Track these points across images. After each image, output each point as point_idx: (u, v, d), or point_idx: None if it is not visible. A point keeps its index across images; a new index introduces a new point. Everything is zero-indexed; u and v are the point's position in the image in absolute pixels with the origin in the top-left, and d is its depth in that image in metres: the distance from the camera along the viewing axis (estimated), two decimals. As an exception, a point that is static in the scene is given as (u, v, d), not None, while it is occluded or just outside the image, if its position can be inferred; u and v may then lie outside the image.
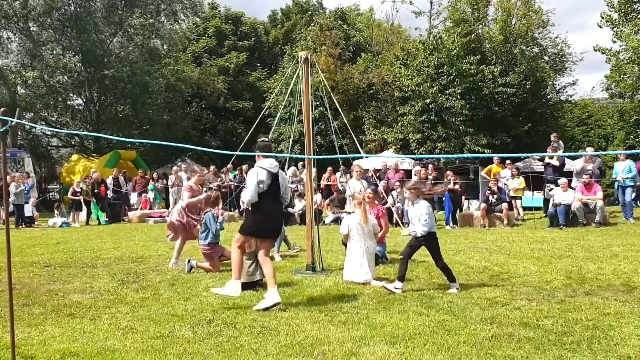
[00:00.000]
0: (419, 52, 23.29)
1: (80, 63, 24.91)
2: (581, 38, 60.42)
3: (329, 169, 17.86)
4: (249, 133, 8.30)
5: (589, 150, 16.00)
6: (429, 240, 6.17)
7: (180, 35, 30.77)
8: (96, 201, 16.91)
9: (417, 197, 6.28)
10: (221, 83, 31.27)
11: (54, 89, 24.99)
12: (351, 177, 16.13)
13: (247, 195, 5.62)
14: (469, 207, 16.24)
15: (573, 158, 14.81)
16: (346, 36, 28.78)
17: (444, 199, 14.45)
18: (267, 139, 6.11)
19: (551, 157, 14.45)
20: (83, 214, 16.84)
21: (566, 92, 28.35)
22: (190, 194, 8.35)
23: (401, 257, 6.34)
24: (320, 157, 6.38)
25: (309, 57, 7.56)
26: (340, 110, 8.08)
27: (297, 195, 14.65)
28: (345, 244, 7.23)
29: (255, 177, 5.64)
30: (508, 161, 15.53)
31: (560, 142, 16.12)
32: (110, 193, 17.78)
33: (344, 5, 37.17)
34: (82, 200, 16.60)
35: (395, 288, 6.05)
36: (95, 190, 16.88)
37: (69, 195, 16.86)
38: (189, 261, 7.65)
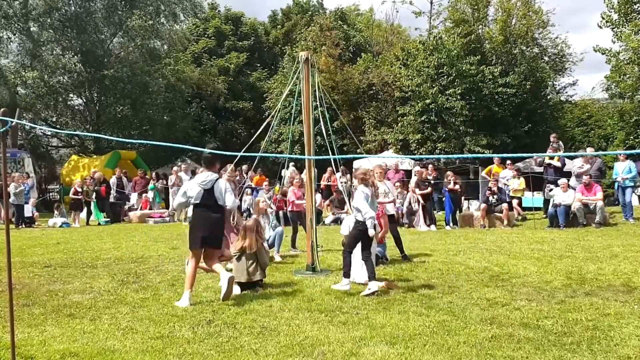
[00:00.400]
0: (419, 53, 23.29)
1: (80, 63, 24.87)
2: (582, 38, 60.43)
3: (329, 169, 17.86)
4: (260, 135, 8.21)
5: (590, 151, 15.99)
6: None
7: (180, 35, 30.77)
8: (97, 201, 16.90)
9: (360, 184, 6.47)
10: (221, 83, 31.29)
11: (54, 89, 24.97)
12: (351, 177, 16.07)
13: (174, 204, 6.23)
14: (469, 208, 16.24)
15: (572, 158, 14.81)
16: (346, 36, 28.78)
17: (444, 199, 14.45)
18: (210, 150, 6.25)
19: (551, 158, 14.45)
20: (83, 214, 16.83)
21: (566, 92, 28.36)
22: None
23: (343, 251, 6.42)
24: (319, 157, 6.37)
25: (310, 58, 7.56)
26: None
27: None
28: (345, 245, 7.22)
29: (185, 192, 6.07)
30: (508, 161, 15.53)
31: (560, 142, 16.12)
32: (114, 193, 17.82)
33: (344, 5, 37.25)
34: (82, 201, 16.59)
35: (343, 286, 6.17)
36: (96, 188, 16.86)
37: (71, 195, 16.83)
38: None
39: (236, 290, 6.23)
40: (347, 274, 6.26)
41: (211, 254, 6.06)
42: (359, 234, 6.32)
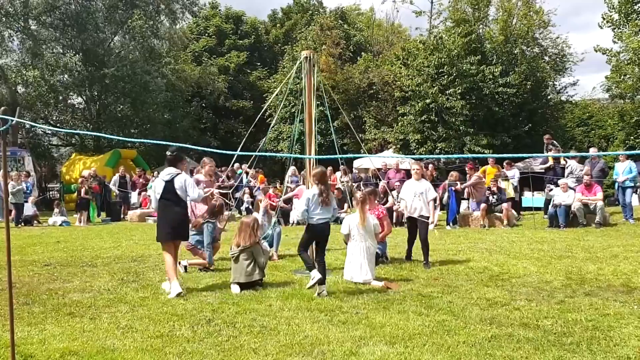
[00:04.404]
0: (419, 52, 23.29)
1: (80, 62, 24.89)
2: (587, 38, 60.28)
3: (329, 168, 17.86)
4: (259, 133, 8.31)
5: (592, 151, 16.01)
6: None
7: (180, 35, 30.79)
8: (93, 199, 16.86)
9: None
10: (221, 82, 31.30)
11: (54, 88, 24.98)
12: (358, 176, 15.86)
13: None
14: (468, 207, 16.23)
15: (583, 160, 14.83)
16: (346, 36, 28.80)
17: (449, 198, 14.36)
18: (172, 152, 6.57)
19: (556, 159, 14.50)
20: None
21: (566, 92, 28.35)
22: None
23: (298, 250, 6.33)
24: (321, 157, 6.37)
25: (311, 57, 7.54)
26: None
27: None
28: (346, 243, 7.22)
29: (154, 187, 6.62)
30: (505, 162, 15.53)
31: (554, 141, 16.21)
32: (116, 192, 17.82)
33: (345, 4, 37.27)
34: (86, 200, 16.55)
35: (312, 280, 5.99)
36: (89, 186, 16.81)
37: (82, 195, 16.67)
38: (179, 262, 7.70)
39: (235, 289, 6.24)
40: (310, 268, 6.15)
41: (167, 248, 6.39)
42: (306, 234, 6.33)
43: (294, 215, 6.78)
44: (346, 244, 7.26)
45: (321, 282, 6.00)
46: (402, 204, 7.91)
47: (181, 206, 6.36)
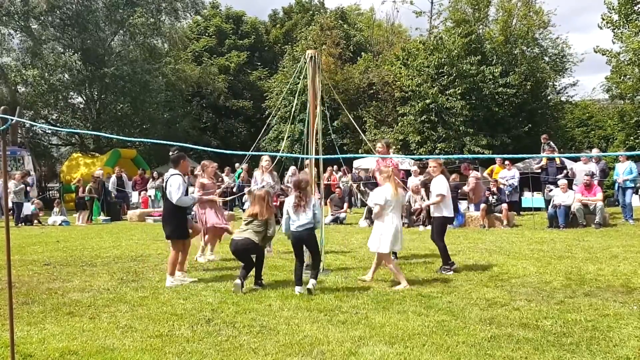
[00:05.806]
0: (419, 52, 23.29)
1: (80, 61, 24.84)
2: (587, 38, 60.25)
3: (329, 168, 17.88)
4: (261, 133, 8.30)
5: (595, 152, 16.00)
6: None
7: (180, 34, 30.78)
8: (97, 199, 16.86)
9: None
10: (221, 82, 31.30)
11: (54, 88, 24.94)
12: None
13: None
14: (468, 208, 16.23)
15: (575, 159, 14.82)
16: (347, 36, 28.82)
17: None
18: (172, 152, 7.06)
19: (551, 159, 14.48)
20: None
21: (566, 92, 28.35)
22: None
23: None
24: (323, 156, 6.35)
25: (315, 56, 7.51)
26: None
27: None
28: (371, 219, 7.00)
29: None
30: (507, 162, 15.54)
31: (551, 142, 16.20)
32: (114, 192, 17.82)
33: (345, 5, 37.26)
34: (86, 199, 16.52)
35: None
36: (91, 186, 16.80)
37: (82, 194, 16.60)
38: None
39: (237, 286, 6.18)
40: (298, 282, 6.17)
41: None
42: (292, 241, 6.35)
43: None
44: (371, 217, 6.89)
45: (315, 276, 6.19)
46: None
47: (168, 206, 6.74)
